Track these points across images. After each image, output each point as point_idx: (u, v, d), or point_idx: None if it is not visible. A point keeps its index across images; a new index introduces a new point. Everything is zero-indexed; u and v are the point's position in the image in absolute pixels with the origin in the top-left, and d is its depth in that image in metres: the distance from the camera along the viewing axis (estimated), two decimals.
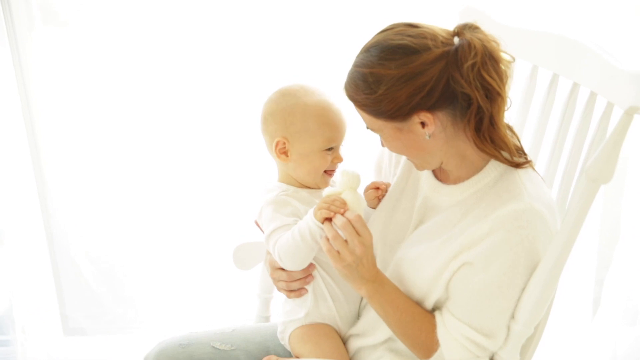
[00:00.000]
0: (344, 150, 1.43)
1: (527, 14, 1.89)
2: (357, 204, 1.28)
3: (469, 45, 1.14)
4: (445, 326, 1.25)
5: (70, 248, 2.28)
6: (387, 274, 1.35)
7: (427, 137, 1.21)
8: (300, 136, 1.36)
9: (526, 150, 1.43)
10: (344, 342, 1.41)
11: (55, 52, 2.09)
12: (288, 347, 1.44)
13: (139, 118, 2.13)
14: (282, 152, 1.38)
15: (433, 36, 1.16)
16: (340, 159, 1.41)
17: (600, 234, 2.14)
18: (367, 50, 1.20)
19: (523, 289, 1.21)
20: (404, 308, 1.27)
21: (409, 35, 1.16)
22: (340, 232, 1.24)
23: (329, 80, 1.49)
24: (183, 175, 2.18)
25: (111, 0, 2.00)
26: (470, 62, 1.13)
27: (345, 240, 1.23)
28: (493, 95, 1.16)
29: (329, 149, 1.38)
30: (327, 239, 1.25)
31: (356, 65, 1.21)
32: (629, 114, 1.11)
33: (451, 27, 1.20)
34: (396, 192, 1.41)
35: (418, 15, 1.60)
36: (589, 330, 2.23)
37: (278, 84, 1.41)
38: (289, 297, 1.41)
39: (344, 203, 1.26)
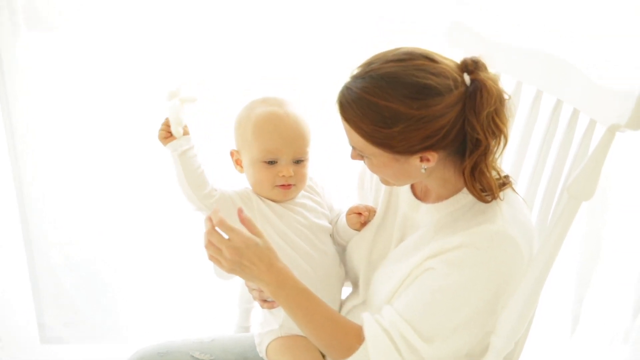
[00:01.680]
0: (308, 165, 1.39)
1: (521, 21, 1.88)
2: (175, 114, 1.36)
3: (487, 91, 1.12)
4: (378, 322, 1.20)
5: (49, 255, 2.25)
6: (369, 292, 1.34)
7: (422, 171, 1.20)
8: (243, 147, 1.39)
9: (508, 165, 1.44)
10: (323, 354, 1.39)
11: (41, 59, 2.05)
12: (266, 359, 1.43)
13: (121, 122, 2.10)
14: (237, 162, 1.42)
15: (452, 75, 1.13)
16: (287, 173, 1.35)
17: (581, 251, 2.15)
18: (380, 77, 1.12)
19: (478, 309, 1.17)
20: (314, 310, 1.23)
21: (432, 74, 1.11)
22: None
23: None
24: (164, 183, 2.16)
25: (99, 5, 1.98)
26: (488, 110, 1.13)
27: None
28: (501, 139, 1.17)
29: (270, 162, 1.35)
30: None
31: (366, 91, 1.13)
32: (611, 131, 1.12)
33: (442, 36, 1.20)
34: (381, 210, 1.41)
35: (405, 28, 1.60)
36: (568, 347, 2.24)
37: (267, 87, 1.41)
38: (262, 307, 1.40)
39: (167, 125, 1.38)
